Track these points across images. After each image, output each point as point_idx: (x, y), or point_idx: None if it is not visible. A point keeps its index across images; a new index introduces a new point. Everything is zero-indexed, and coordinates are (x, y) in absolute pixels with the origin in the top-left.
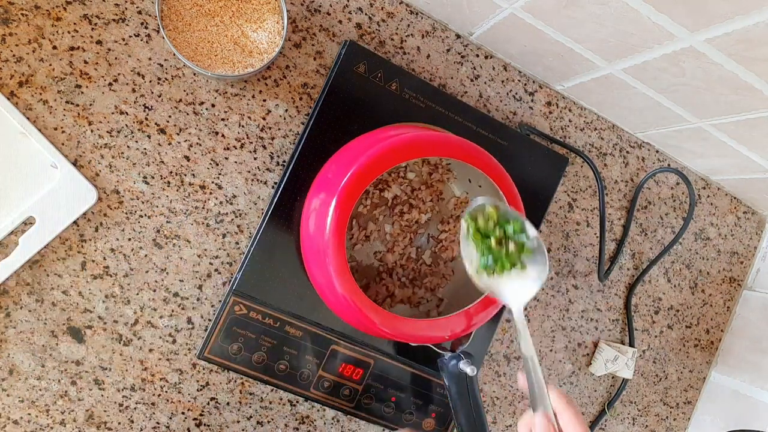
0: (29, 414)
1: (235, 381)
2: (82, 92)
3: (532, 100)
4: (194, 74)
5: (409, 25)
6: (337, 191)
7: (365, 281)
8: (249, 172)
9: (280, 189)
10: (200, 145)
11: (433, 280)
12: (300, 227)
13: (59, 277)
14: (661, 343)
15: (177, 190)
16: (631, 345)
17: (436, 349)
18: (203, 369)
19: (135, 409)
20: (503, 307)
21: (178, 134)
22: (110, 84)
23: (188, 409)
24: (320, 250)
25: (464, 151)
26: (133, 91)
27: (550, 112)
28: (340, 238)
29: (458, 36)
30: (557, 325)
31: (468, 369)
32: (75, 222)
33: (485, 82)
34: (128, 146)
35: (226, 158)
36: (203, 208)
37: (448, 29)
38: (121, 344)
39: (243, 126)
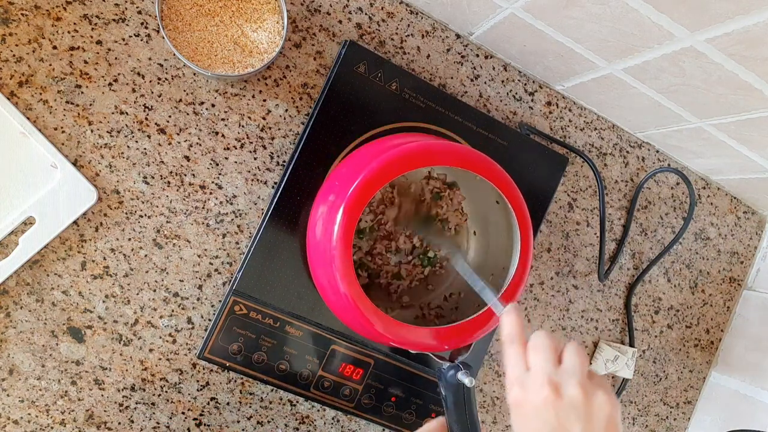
0: (29, 414)
1: (235, 381)
2: (82, 92)
3: (532, 100)
4: (194, 74)
5: (409, 25)
6: (345, 199)
7: (370, 287)
8: (249, 172)
9: (280, 189)
10: (200, 145)
11: (434, 291)
12: (306, 233)
13: (59, 277)
14: (661, 343)
15: (177, 190)
16: (631, 345)
17: (435, 358)
18: (203, 369)
19: (135, 409)
20: None
21: (178, 134)
22: (110, 84)
23: (188, 409)
24: (327, 256)
25: (471, 161)
26: (133, 91)
27: (550, 112)
28: (347, 244)
29: (458, 36)
30: (557, 325)
31: (466, 380)
32: (75, 222)
33: (485, 82)
34: (128, 146)
35: (226, 158)
36: (203, 208)
37: (448, 29)
38: (121, 344)
39: (243, 126)
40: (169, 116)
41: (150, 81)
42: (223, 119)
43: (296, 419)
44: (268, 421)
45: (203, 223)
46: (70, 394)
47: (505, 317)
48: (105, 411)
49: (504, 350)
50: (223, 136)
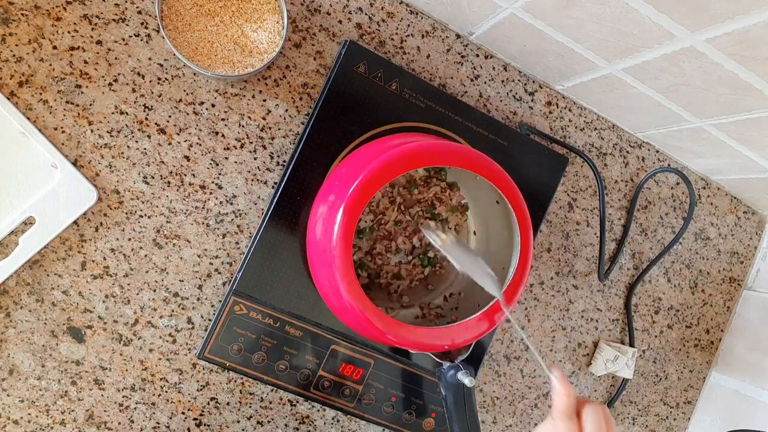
0: (29, 414)
1: (235, 381)
2: (82, 92)
3: (532, 100)
4: (194, 74)
5: (409, 25)
6: (345, 199)
7: (370, 287)
8: (249, 172)
9: (280, 189)
10: (200, 145)
11: (434, 291)
12: (306, 233)
13: (59, 277)
14: (661, 343)
15: (177, 190)
16: (631, 345)
17: (435, 359)
18: (203, 369)
19: (135, 409)
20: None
21: (178, 134)
22: (110, 84)
23: (188, 409)
24: (327, 256)
25: (471, 161)
26: (133, 91)
27: (550, 112)
28: (347, 244)
29: (458, 36)
30: (557, 325)
31: (466, 380)
32: (75, 222)
33: (485, 82)
34: (128, 146)
35: (226, 158)
36: (203, 208)
37: (448, 29)
38: (121, 344)
39: (243, 126)
40: (169, 116)
41: (150, 81)
42: (223, 119)
43: (296, 419)
44: (268, 421)
45: (203, 223)
46: (70, 394)
47: (561, 388)
48: (105, 411)
49: (557, 422)
50: (223, 136)
